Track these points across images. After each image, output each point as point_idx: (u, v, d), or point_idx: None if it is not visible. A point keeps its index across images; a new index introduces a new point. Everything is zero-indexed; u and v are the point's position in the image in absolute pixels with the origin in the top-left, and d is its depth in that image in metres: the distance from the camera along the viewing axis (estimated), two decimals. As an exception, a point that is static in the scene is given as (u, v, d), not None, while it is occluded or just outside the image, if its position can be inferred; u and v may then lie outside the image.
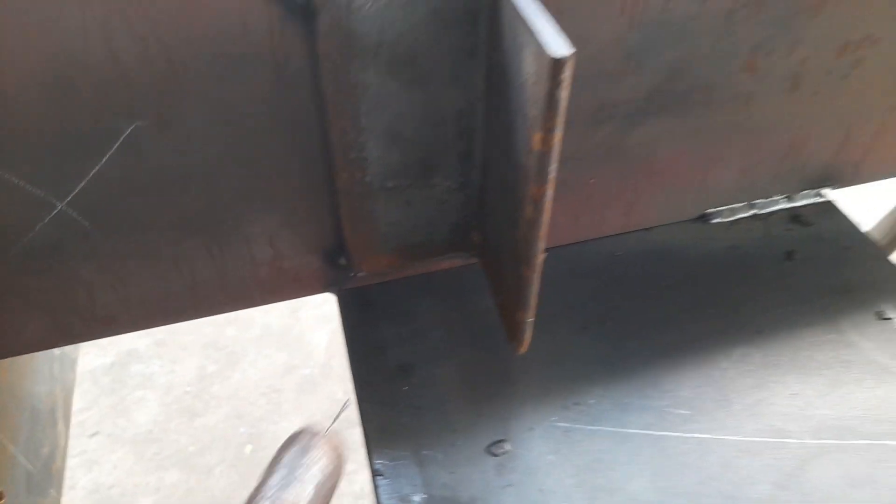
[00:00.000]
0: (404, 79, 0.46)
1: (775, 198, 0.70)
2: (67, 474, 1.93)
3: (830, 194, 0.72)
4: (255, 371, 2.24)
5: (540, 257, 0.45)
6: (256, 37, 0.42)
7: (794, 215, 0.70)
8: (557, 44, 0.35)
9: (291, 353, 2.28)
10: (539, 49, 0.36)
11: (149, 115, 0.44)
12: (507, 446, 0.52)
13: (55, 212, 0.47)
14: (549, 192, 0.41)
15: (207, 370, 2.24)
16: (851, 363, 0.58)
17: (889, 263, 0.66)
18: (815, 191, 0.70)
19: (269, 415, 2.12)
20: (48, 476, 0.68)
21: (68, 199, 0.46)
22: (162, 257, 0.52)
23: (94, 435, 2.06)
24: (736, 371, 0.57)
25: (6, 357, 0.57)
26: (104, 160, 0.45)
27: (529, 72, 0.38)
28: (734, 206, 0.69)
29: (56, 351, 0.76)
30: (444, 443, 0.52)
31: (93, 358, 2.25)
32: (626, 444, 0.52)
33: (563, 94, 0.36)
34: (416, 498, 0.49)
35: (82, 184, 0.46)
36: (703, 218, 0.69)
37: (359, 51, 0.43)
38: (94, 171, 0.45)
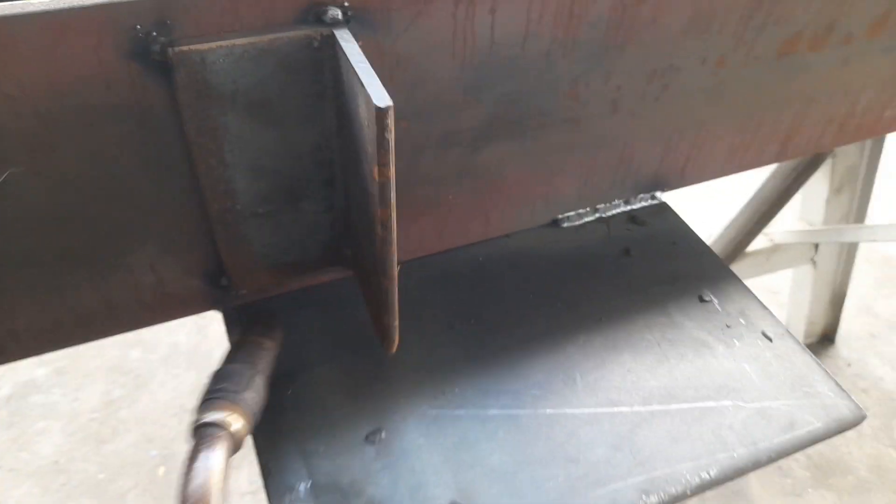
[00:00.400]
0: (261, 120, 0.52)
1: (615, 202, 0.80)
2: (-33, 516, 1.85)
3: (663, 196, 0.83)
4: (164, 392, 2.21)
5: (395, 270, 0.52)
6: (119, 90, 0.47)
7: (632, 216, 0.80)
8: (380, 96, 0.42)
9: (200, 371, 2.27)
10: (368, 99, 0.43)
11: (22, 162, 0.48)
12: (383, 434, 0.59)
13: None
14: (393, 215, 0.48)
15: (113, 395, 2.19)
16: (676, 341, 0.68)
17: (711, 255, 0.78)
18: (648, 194, 0.81)
19: (181, 435, 2.10)
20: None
21: (-53, 241, 0.49)
22: (46, 290, 0.55)
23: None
24: (580, 355, 0.66)
25: None
26: (-18, 204, 0.48)
27: (364, 117, 0.45)
28: (580, 210, 0.79)
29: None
30: (326, 436, 0.58)
31: (-12, 392, 2.16)
32: (487, 424, 0.60)
33: (390, 136, 0.43)
34: (301, 487, 0.55)
35: (-40, 227, 0.49)
36: (555, 223, 0.78)
37: (216, 98, 0.49)
38: (-29, 214, 0.49)
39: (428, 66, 0.56)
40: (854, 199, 1.88)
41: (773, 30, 0.71)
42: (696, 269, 0.76)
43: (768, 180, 1.70)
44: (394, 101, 0.42)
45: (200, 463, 0.46)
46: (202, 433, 0.49)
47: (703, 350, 0.67)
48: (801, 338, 2.49)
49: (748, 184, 1.74)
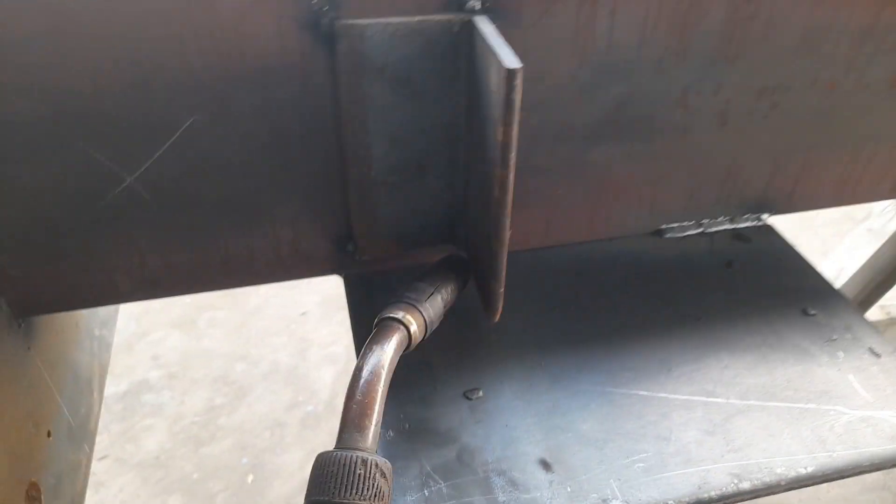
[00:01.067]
0: (403, 94, 0.59)
1: (720, 219, 0.82)
2: (74, 497, 1.99)
3: (770, 220, 0.84)
4: (262, 405, 2.32)
5: (506, 233, 0.57)
6: (292, 56, 0.56)
7: (737, 234, 0.82)
8: (511, 60, 0.48)
9: (297, 389, 2.37)
10: (499, 65, 0.49)
11: (205, 111, 0.57)
12: (481, 393, 0.62)
13: (124, 185, 0.60)
14: (511, 175, 0.53)
15: (216, 402, 2.33)
16: (777, 346, 0.68)
17: (816, 272, 0.77)
18: (755, 215, 0.83)
19: (272, 447, 2.19)
20: (85, 432, 0.78)
21: (136, 174, 0.59)
22: (203, 230, 0.64)
23: (102, 458, 2.13)
24: (677, 347, 0.68)
25: (64, 310, 0.69)
26: (167, 145, 0.58)
27: (493, 83, 0.51)
28: (684, 223, 0.81)
29: (96, 331, 0.88)
30: (428, 389, 0.63)
31: (106, 386, 2.35)
32: (580, 396, 0.62)
33: (517, 96, 0.49)
34: (405, 426, 0.59)
35: (148, 163, 0.59)
36: (658, 233, 0.81)
37: (368, 69, 0.57)
38: (158, 153, 0.59)
39: (550, 61, 0.63)
40: None
41: (885, 58, 0.72)
42: (800, 284, 0.76)
43: (884, 246, 1.63)
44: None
45: (377, 348, 0.52)
46: (383, 325, 0.55)
47: (804, 357, 0.67)
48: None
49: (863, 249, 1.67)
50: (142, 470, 2.10)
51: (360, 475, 0.44)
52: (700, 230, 0.81)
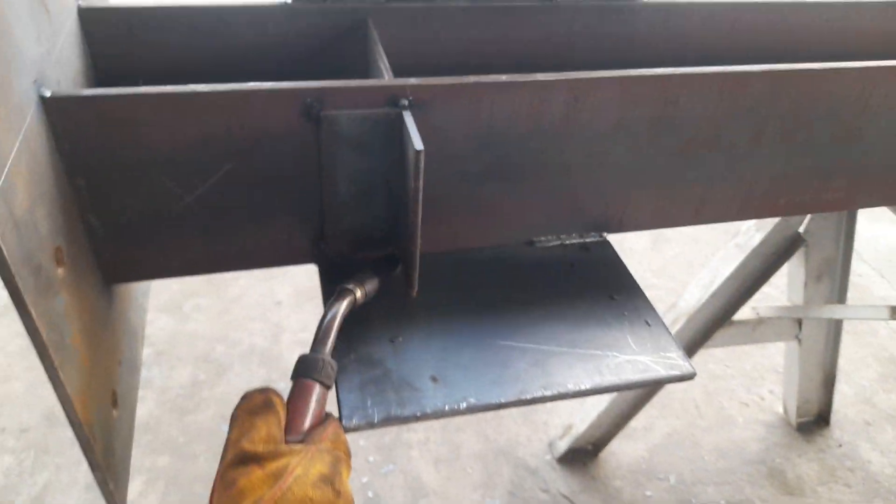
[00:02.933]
0: (359, 153, 0.98)
1: (572, 235, 1.22)
2: (74, 453, 2.32)
3: (609, 237, 1.24)
4: (240, 381, 2.68)
5: (418, 238, 0.96)
6: (292, 129, 0.94)
7: (583, 246, 1.22)
8: (419, 144, 0.87)
9: (270, 369, 2.74)
10: (412, 146, 0.88)
11: (237, 160, 0.95)
12: (400, 339, 1.01)
13: (184, 202, 0.97)
14: (419, 206, 0.92)
15: (199, 378, 2.68)
16: (588, 317, 1.08)
17: (627, 273, 1.18)
18: (596, 233, 1.23)
19: (248, 416, 2.55)
20: (135, 367, 1.15)
21: (193, 196, 0.97)
22: (231, 231, 1.02)
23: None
24: (527, 317, 1.07)
25: (134, 281, 1.06)
26: (213, 180, 0.96)
27: (411, 154, 0.90)
28: (548, 237, 1.21)
29: (140, 298, 1.24)
30: (366, 336, 1.01)
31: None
32: (463, 343, 1.01)
33: (421, 164, 0.88)
34: (350, 356, 0.98)
35: (200, 190, 0.97)
36: (530, 243, 1.20)
37: (339, 139, 0.95)
38: (207, 184, 0.96)
39: (452, 132, 1.02)
40: (834, 287, 2.20)
41: (671, 135, 1.13)
42: (613, 280, 1.16)
43: (748, 258, 2.06)
44: (426, 150, 0.87)
45: (336, 303, 0.90)
46: (340, 291, 0.93)
47: (602, 324, 1.07)
48: (794, 414, 2.74)
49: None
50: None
51: (320, 365, 0.83)
52: (559, 242, 1.21)
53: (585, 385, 0.97)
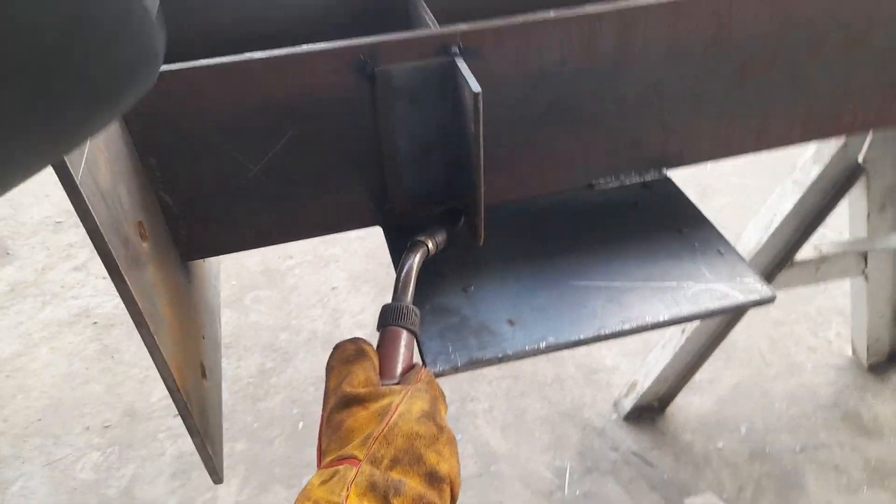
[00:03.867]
0: (414, 107, 0.98)
1: (632, 174, 1.21)
2: (157, 445, 2.42)
3: (669, 173, 1.22)
4: (305, 367, 2.74)
5: (482, 187, 0.96)
6: (347, 88, 0.95)
7: (644, 184, 1.21)
8: (476, 86, 0.87)
9: (333, 351, 2.79)
10: (470, 89, 0.88)
11: (299, 125, 0.97)
12: (472, 288, 1.02)
13: (251, 173, 0.99)
14: (481, 152, 0.92)
15: (266, 366, 2.75)
16: (658, 250, 1.07)
17: (693, 206, 1.16)
18: (656, 170, 1.21)
19: (317, 400, 2.61)
20: (217, 343, 1.19)
21: (259, 166, 0.99)
22: (297, 199, 1.04)
23: (176, 416, 2.55)
24: (597, 256, 1.07)
25: (210, 256, 1.09)
26: (277, 147, 0.98)
27: (467, 99, 0.90)
28: (608, 178, 1.20)
29: (213, 280, 1.28)
30: (440, 286, 1.02)
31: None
32: (536, 286, 1.01)
33: (480, 106, 0.88)
34: (425, 306, 0.99)
35: (265, 159, 0.99)
36: (590, 186, 1.19)
37: (394, 93, 0.96)
38: (272, 152, 0.98)
39: (504, 78, 1.02)
40: (899, 217, 2.12)
41: (729, 57, 1.10)
42: (679, 214, 1.15)
43: (807, 194, 2.00)
44: (483, 94, 0.87)
45: (411, 255, 0.91)
46: (412, 244, 0.94)
47: (673, 257, 1.06)
48: (865, 355, 2.66)
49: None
50: (211, 420, 2.52)
51: (404, 312, 0.84)
52: (619, 183, 1.20)
53: (664, 316, 0.96)
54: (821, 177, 1.97)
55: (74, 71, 0.29)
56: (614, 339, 0.95)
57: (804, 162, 2.00)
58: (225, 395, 2.61)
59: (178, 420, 2.37)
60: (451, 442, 0.70)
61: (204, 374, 1.05)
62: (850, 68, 1.18)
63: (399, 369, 0.80)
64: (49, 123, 0.29)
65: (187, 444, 2.48)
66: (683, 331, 2.36)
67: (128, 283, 0.77)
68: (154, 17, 0.33)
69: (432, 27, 1.04)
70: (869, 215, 2.12)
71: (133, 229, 0.85)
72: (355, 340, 0.82)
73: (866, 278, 2.32)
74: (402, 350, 0.81)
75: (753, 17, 1.07)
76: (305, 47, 0.92)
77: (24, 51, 0.26)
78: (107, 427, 2.50)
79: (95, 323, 3.02)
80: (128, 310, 0.81)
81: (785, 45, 1.12)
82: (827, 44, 1.13)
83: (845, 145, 1.93)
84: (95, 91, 0.31)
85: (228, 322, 2.94)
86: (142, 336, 0.83)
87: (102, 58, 0.30)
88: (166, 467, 2.39)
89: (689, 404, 2.69)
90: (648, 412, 2.65)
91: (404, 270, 0.89)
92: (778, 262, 2.11)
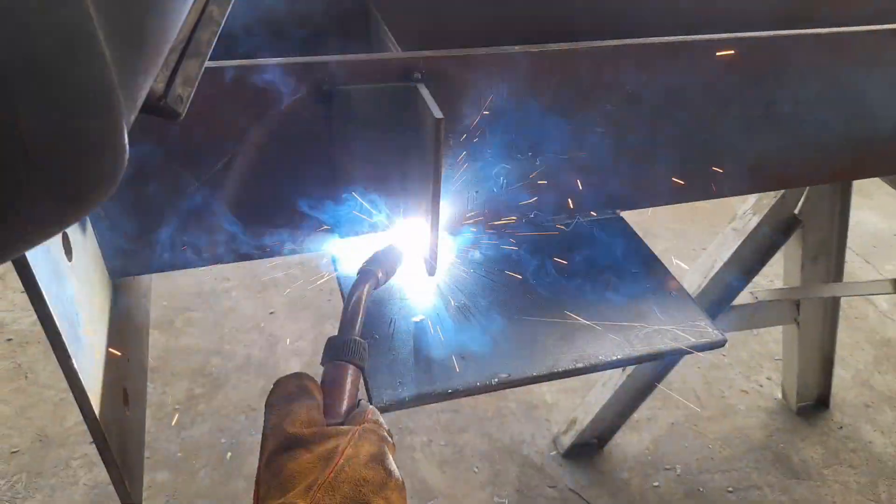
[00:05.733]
0: (367, 128, 0.95)
1: (588, 213, 1.20)
2: (69, 473, 2.24)
3: (621, 213, 1.22)
4: (236, 394, 2.62)
5: (438, 215, 0.93)
6: (307, 105, 0.91)
7: (597, 223, 1.20)
8: (437, 112, 0.85)
9: (269, 379, 2.67)
10: (432, 115, 0.85)
11: (244, 146, 0.92)
12: (424, 320, 0.98)
13: (195, 185, 0.93)
14: (440, 179, 0.89)
15: (195, 392, 2.61)
16: (615, 290, 1.06)
17: (645, 247, 1.16)
18: (611, 211, 1.21)
19: (247, 428, 2.49)
20: (142, 367, 1.10)
21: (201, 180, 0.93)
22: (236, 218, 0.98)
23: (93, 443, 2.38)
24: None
25: (158, 271, 1.02)
26: (223, 162, 0.93)
27: (429, 123, 0.87)
28: (561, 216, 1.19)
29: (143, 299, 1.20)
30: (382, 319, 0.98)
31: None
32: (489, 323, 0.99)
33: (442, 135, 0.85)
34: (374, 336, 0.94)
35: (207, 175, 0.93)
36: (544, 223, 1.18)
37: (348, 115, 0.93)
38: (217, 167, 0.93)
39: (464, 105, 1.00)
40: (830, 267, 2.21)
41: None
42: (632, 255, 1.14)
43: (747, 241, 2.06)
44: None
45: (360, 285, 0.86)
46: (362, 272, 0.89)
47: (627, 296, 1.05)
48: (795, 399, 2.74)
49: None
50: (131, 448, 2.36)
51: (351, 346, 0.79)
52: (572, 221, 1.19)
53: (616, 355, 0.95)
54: (759, 226, 2.03)
55: (50, 178, 0.30)
56: (567, 377, 0.92)
57: (744, 212, 2.06)
58: (148, 423, 2.45)
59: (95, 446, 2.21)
60: (400, 488, 0.65)
61: (125, 401, 0.97)
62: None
63: (344, 407, 0.75)
64: (13, 224, 0.30)
65: (104, 472, 2.32)
66: (624, 370, 2.37)
67: (45, 298, 0.70)
68: (126, 137, 0.34)
69: (394, 50, 1.02)
70: (803, 265, 2.19)
71: (55, 241, 0.78)
72: (298, 376, 0.76)
73: (798, 325, 2.40)
74: (347, 387, 0.76)
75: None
76: (261, 60, 0.88)
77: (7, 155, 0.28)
78: (14, 452, 2.31)
79: (10, 340, 2.82)
80: (44, 328, 0.73)
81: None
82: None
83: (783, 197, 2.00)
84: (65, 196, 0.32)
85: (155, 344, 2.79)
86: (57, 358, 0.75)
87: (78, 168, 0.32)
88: (79, 498, 2.22)
89: (626, 442, 2.70)
90: (587, 449, 2.64)
91: (352, 301, 0.85)
92: (716, 306, 2.15)
